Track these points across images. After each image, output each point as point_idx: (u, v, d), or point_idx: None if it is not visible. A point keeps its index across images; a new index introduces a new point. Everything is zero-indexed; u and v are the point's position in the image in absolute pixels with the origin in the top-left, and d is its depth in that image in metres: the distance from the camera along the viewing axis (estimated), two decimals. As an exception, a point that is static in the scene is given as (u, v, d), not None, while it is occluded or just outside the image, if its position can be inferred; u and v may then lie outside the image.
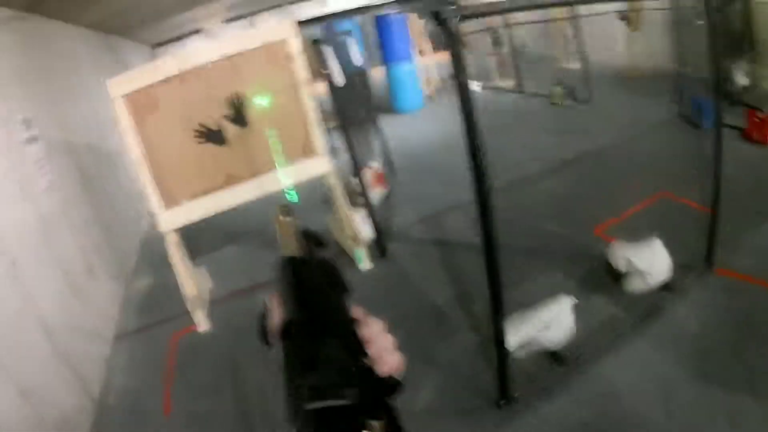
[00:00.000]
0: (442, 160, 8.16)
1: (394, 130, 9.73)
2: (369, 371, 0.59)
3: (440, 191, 6.91)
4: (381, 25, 12.50)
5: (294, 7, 17.12)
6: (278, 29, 4.73)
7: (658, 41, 10.70)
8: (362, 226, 5.58)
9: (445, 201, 6.49)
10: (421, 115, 12.40)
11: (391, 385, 0.60)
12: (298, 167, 4.94)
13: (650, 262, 4.45)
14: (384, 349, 0.64)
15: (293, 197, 4.72)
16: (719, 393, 3.45)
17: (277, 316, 0.69)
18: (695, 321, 4.23)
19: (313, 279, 0.73)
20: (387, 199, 7.12)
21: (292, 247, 0.81)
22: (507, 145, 8.37)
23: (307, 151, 4.95)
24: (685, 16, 11.58)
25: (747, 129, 8.28)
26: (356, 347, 0.61)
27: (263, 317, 0.73)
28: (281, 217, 0.86)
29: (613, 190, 6.52)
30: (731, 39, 10.37)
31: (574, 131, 9.01)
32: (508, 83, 13.37)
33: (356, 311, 0.70)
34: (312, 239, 0.84)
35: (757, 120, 8.25)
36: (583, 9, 12.54)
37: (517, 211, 5.98)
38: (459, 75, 2.61)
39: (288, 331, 0.64)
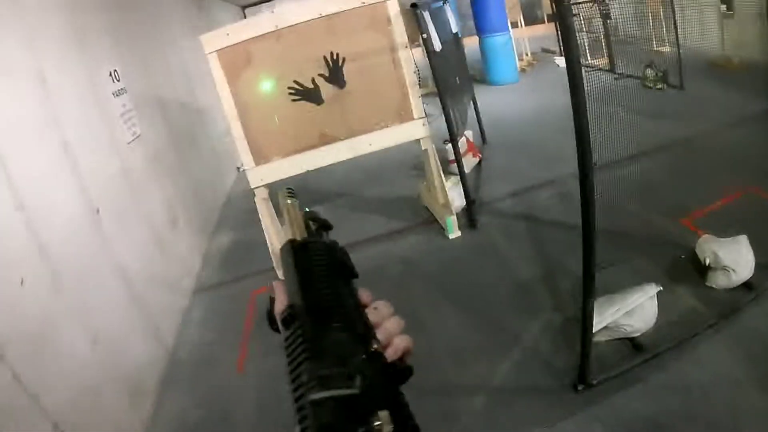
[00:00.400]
0: (534, 136, 8.03)
1: (488, 102, 9.58)
2: (378, 357, 0.56)
3: (531, 166, 6.80)
4: None
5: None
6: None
7: (755, 30, 10.12)
8: (453, 195, 5.52)
9: (535, 176, 6.37)
10: (515, 88, 12.05)
11: (401, 371, 0.58)
12: (393, 130, 4.90)
13: (736, 258, 4.35)
14: (393, 334, 0.63)
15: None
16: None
17: (280, 302, 0.67)
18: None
19: (318, 263, 0.69)
20: (478, 169, 7.05)
21: (296, 230, 0.76)
22: (596, 125, 7.98)
23: (403, 114, 4.90)
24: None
25: None
26: (364, 333, 0.59)
27: (270, 303, 0.70)
28: (285, 200, 0.81)
29: (701, 181, 6.23)
30: None
31: (666, 116, 8.41)
32: (601, 61, 12.89)
33: (363, 295, 0.67)
34: (318, 222, 0.80)
35: None
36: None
37: (607, 193, 5.70)
38: (570, 50, 2.52)
39: (290, 317, 0.61)
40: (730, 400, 3.35)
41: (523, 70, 13.33)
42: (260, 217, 4.86)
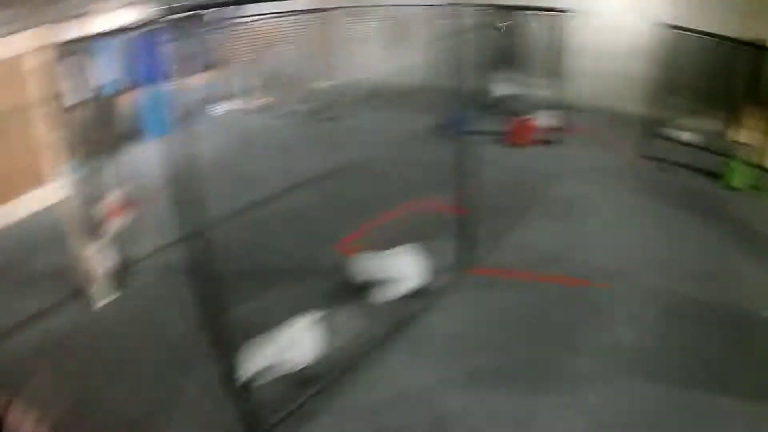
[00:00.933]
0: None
1: (144, 155, 8.85)
2: None
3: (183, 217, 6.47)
4: (138, 45, 10.70)
5: (56, 27, 16.36)
6: (14, 44, 4.20)
7: (417, 56, 11.68)
8: (100, 258, 5.11)
9: (188, 227, 6.09)
10: (172, 140, 11.35)
11: None
12: (24, 197, 4.29)
13: (393, 270, 4.62)
14: None
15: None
16: (485, 393, 3.75)
17: None
18: (454, 322, 4.54)
19: None
20: (132, 227, 6.33)
21: None
22: (254, 165, 8.59)
23: (34, 178, 4.35)
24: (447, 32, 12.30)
25: (507, 133, 9.34)
26: None
27: None
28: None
29: (359, 204, 6.96)
30: (498, 52, 11.22)
31: (325, 148, 9.18)
32: (263, 102, 12.93)
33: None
34: None
35: (516, 124, 9.32)
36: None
37: (258, 232, 6.29)
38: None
39: None
40: (427, 404, 3.61)
41: (180, 122, 12.40)
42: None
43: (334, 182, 7.77)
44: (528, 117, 9.21)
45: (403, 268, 4.62)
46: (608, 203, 7.03)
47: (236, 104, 12.52)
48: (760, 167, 7.71)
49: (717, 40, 8.12)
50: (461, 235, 5.13)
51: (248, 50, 12.27)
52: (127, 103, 10.42)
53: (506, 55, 11.35)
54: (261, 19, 11.26)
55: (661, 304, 4.91)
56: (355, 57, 13.36)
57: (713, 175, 7.71)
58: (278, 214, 6.84)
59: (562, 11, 9.13)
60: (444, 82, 11.49)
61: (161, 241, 5.89)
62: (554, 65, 9.17)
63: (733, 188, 7.41)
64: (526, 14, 10.53)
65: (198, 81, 12.82)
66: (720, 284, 5.23)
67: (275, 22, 11.70)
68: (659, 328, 4.58)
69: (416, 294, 4.67)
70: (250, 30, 11.68)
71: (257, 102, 12.54)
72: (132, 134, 9.96)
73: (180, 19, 2.61)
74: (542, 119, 9.31)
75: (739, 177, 7.44)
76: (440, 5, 5.16)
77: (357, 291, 4.66)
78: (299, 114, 11.24)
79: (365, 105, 12.00)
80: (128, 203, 6.55)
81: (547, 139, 9.04)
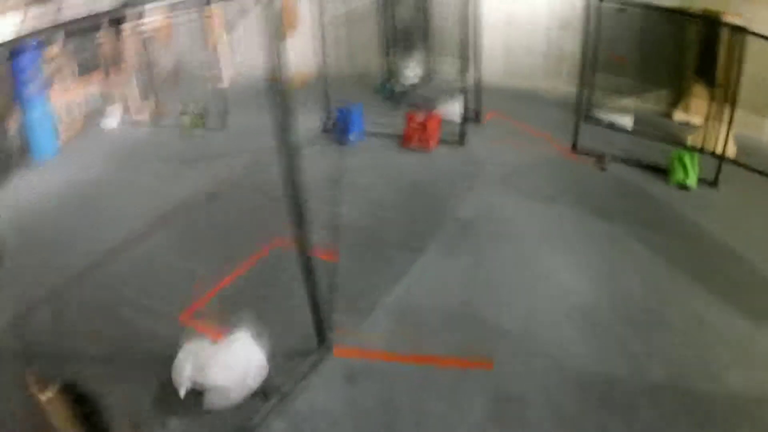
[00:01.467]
0: (54, 227, 6.40)
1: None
2: None
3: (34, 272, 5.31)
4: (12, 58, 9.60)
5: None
6: None
7: (312, 44, 9.47)
8: None
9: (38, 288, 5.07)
10: (51, 165, 9.62)
11: None
12: None
13: (226, 372, 3.51)
14: None
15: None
16: None
17: None
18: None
19: None
20: None
21: None
22: (116, 197, 7.05)
23: None
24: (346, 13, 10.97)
25: (405, 136, 7.66)
26: None
27: None
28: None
29: (218, 247, 5.55)
30: (401, 31, 9.79)
31: (192, 169, 7.67)
32: (147, 112, 11.23)
33: None
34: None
35: (415, 125, 7.51)
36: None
37: (98, 294, 4.99)
38: None
39: None
40: None
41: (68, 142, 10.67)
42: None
43: (197, 214, 6.20)
44: (430, 112, 7.47)
45: (238, 365, 3.57)
46: (530, 223, 5.45)
47: (125, 115, 11.02)
48: (711, 153, 6.33)
49: (660, 10, 6.85)
50: (319, 305, 3.85)
51: (137, 53, 11.01)
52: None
53: (409, 33, 9.77)
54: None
55: (572, 396, 3.46)
56: (248, 51, 11.81)
57: (658, 170, 6.24)
58: (125, 264, 5.40)
59: None
60: (337, 71, 10.11)
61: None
62: (464, 42, 7.35)
63: (682, 186, 5.95)
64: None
65: (86, 91, 11.54)
66: (668, 352, 3.78)
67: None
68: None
69: (257, 396, 3.59)
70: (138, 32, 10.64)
71: (144, 113, 10.95)
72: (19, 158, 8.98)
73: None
74: (449, 110, 7.61)
75: (688, 172, 5.97)
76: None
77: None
78: (182, 125, 9.52)
79: (255, 105, 10.18)
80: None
81: (458, 136, 7.26)
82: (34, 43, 11.32)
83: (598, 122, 7.43)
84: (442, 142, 7.25)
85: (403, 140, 7.30)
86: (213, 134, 9.13)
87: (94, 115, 12.18)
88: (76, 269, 5.24)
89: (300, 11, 10.79)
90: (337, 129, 7.70)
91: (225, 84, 12.09)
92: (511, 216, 5.52)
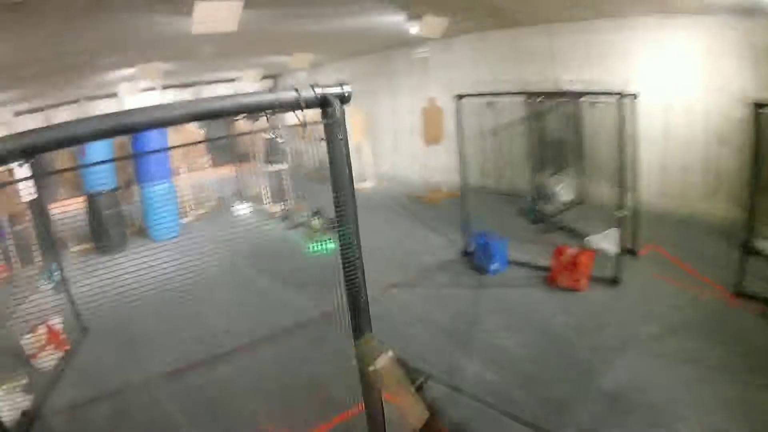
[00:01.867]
0: (153, 318, 6.53)
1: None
2: None
3: (131, 361, 5.54)
4: (137, 137, 10.36)
5: (91, 103, 16.22)
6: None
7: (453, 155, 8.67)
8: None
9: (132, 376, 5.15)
10: (170, 246, 9.95)
11: None
12: None
13: None
14: None
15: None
16: None
17: None
18: None
19: None
20: (63, 366, 5.67)
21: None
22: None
23: None
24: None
25: (553, 271, 6.43)
26: None
27: None
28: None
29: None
30: (551, 149, 8.93)
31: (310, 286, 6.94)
32: (279, 207, 11.76)
33: None
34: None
35: (564, 260, 6.27)
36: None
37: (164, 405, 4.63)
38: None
39: None
40: None
41: (192, 222, 11.83)
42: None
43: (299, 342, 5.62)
44: (583, 248, 6.47)
45: None
46: (688, 402, 4.11)
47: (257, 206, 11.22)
48: None
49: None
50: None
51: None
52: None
53: (560, 151, 9.07)
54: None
55: None
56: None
57: None
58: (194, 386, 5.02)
59: (626, 95, 6.46)
60: (482, 187, 9.50)
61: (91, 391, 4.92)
62: (622, 164, 6.42)
63: None
64: (578, 101, 8.32)
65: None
66: None
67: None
68: None
69: None
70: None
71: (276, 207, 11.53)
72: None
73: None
74: (603, 241, 6.63)
75: None
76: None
77: None
78: (309, 227, 9.50)
79: (397, 217, 10.08)
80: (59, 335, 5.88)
81: (613, 273, 6.19)
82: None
83: (759, 253, 5.99)
84: (594, 279, 6.20)
85: (550, 277, 6.40)
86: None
87: (227, 200, 13.11)
88: (155, 368, 5.21)
89: (445, 123, 10.69)
90: (477, 255, 7.08)
91: (366, 189, 12.25)
92: (667, 392, 4.25)
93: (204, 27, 6.49)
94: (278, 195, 11.54)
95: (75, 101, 15.71)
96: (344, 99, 1.98)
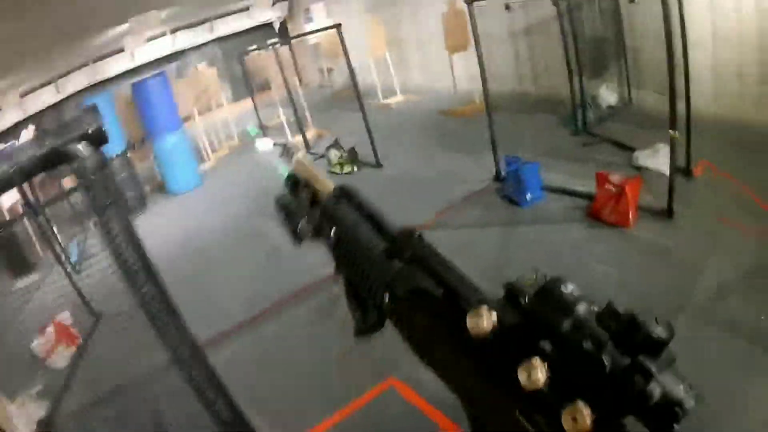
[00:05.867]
0: (189, 288, 5.52)
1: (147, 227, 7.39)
2: None
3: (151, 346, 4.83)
4: (139, 93, 9.91)
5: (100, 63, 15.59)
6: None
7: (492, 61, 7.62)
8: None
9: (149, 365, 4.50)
10: (194, 198, 9.66)
11: None
12: None
13: None
14: None
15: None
16: None
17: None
18: None
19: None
20: (76, 363, 5.35)
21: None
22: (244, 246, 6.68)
23: None
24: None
25: (596, 202, 5.33)
26: None
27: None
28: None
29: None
30: (591, 47, 7.76)
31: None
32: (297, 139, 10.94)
33: None
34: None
35: (609, 188, 5.17)
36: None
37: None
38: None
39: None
40: None
41: (213, 168, 11.26)
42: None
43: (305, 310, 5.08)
44: (628, 177, 5.31)
45: None
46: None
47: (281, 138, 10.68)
48: None
49: None
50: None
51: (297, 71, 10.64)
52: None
53: (600, 51, 7.87)
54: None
55: None
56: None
57: None
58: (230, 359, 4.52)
59: None
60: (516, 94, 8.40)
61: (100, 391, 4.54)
62: (669, 65, 5.23)
63: None
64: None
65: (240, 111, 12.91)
66: None
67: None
68: None
69: None
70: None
71: (299, 137, 11.05)
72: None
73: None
74: (652, 158, 5.62)
75: None
76: None
77: None
78: (328, 161, 8.80)
79: (425, 134, 9.19)
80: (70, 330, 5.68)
81: (665, 202, 5.07)
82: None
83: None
84: (642, 210, 5.18)
85: (593, 208, 5.40)
86: (367, 174, 8.19)
87: (247, 137, 12.66)
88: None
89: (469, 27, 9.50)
90: (509, 184, 6.22)
91: (392, 106, 11.45)
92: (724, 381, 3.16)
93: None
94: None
95: (85, 64, 15.29)
96: (98, 139, 1.15)
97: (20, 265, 7.68)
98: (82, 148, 1.08)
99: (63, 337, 5.54)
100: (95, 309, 6.14)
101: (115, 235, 1.15)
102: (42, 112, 14.65)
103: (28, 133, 12.48)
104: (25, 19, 6.56)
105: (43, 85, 14.75)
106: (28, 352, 5.51)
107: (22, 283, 7.43)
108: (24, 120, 13.95)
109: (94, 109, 1.13)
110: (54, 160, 1.08)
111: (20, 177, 1.07)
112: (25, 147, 1.07)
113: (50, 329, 5.54)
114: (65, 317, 5.82)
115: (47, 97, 15.05)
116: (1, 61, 8.70)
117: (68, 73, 14.96)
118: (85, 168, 1.08)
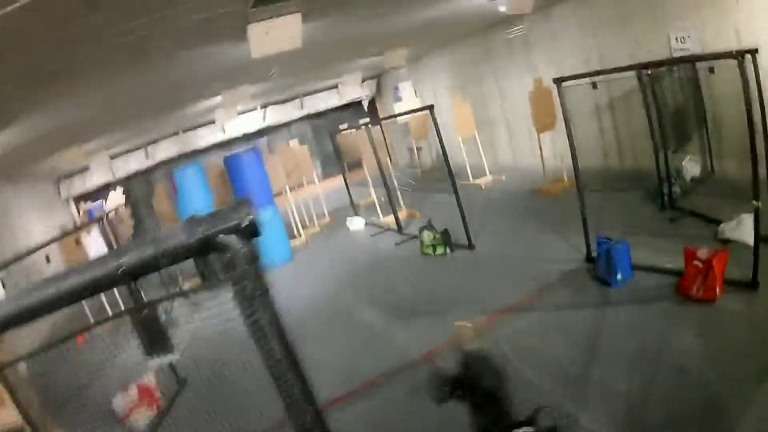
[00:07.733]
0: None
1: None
2: None
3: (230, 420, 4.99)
4: (232, 166, 10.22)
5: (191, 134, 16.42)
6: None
7: (578, 137, 7.22)
8: None
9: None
10: (285, 273, 9.75)
11: None
12: None
13: None
14: None
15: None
16: None
17: None
18: None
19: None
20: (155, 427, 5.48)
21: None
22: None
23: None
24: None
25: (684, 278, 5.35)
26: None
27: None
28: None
29: None
30: (672, 119, 7.88)
31: (432, 306, 6.77)
32: (389, 219, 10.99)
33: None
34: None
35: (697, 264, 5.21)
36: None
37: None
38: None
39: None
40: None
41: (306, 244, 11.50)
42: None
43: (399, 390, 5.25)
44: (716, 251, 5.37)
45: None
46: None
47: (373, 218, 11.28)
48: None
49: None
50: None
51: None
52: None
53: (681, 120, 8.01)
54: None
55: None
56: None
57: None
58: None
59: (744, 52, 5.30)
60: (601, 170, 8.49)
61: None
62: (752, 133, 5.32)
63: None
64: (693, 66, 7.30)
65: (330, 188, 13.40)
66: None
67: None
68: None
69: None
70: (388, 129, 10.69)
71: (391, 218, 11.12)
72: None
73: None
74: (736, 229, 5.71)
75: None
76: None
77: None
78: (421, 242, 9.09)
79: (515, 216, 9.48)
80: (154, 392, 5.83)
81: (750, 273, 5.14)
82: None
83: None
84: (727, 283, 5.24)
85: (681, 284, 5.50)
86: (460, 256, 8.40)
87: (340, 215, 12.78)
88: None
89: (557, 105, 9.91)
90: (600, 264, 6.32)
91: (481, 186, 11.80)
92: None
93: (264, 49, 5.96)
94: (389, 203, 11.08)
95: (175, 133, 16.49)
96: (250, 231, 1.18)
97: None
98: (234, 239, 1.12)
99: (146, 398, 5.69)
100: (180, 375, 6.25)
101: (262, 325, 1.16)
102: (130, 177, 15.87)
103: (116, 195, 13.62)
104: (120, 85, 6.98)
105: (132, 150, 16.16)
106: (107, 408, 5.68)
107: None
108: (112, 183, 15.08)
109: (247, 201, 1.17)
110: (204, 249, 1.13)
111: (167, 261, 1.11)
112: (176, 233, 1.11)
113: (134, 389, 5.71)
114: (150, 379, 5.93)
115: (136, 161, 16.36)
116: (95, 123, 9.31)
117: (158, 140, 16.22)
118: (238, 259, 1.14)
